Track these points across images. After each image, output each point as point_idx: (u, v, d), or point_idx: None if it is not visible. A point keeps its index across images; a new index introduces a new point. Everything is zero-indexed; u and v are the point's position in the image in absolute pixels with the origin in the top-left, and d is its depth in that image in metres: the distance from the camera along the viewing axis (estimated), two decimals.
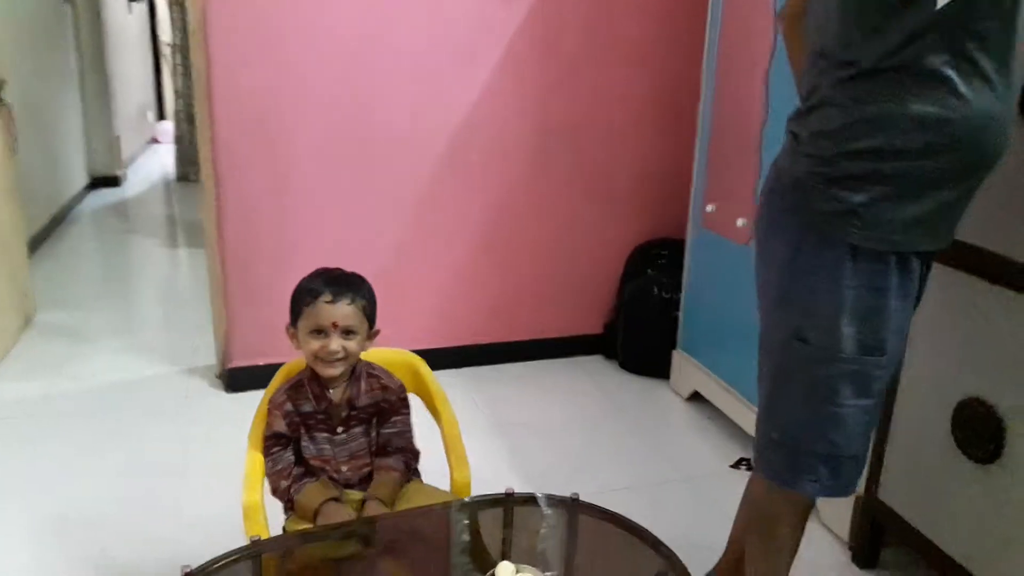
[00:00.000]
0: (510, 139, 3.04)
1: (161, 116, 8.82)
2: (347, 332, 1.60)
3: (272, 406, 1.66)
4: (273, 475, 1.63)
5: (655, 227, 3.27)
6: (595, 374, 3.25)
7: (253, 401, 3.04)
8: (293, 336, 1.65)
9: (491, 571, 1.33)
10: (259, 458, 1.66)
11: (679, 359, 3.01)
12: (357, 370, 1.67)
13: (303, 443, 1.65)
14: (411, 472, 1.70)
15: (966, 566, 1.75)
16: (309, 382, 1.65)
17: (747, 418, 2.62)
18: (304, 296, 1.61)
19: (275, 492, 1.63)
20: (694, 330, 2.94)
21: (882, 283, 1.34)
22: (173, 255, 4.96)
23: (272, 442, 1.65)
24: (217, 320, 3.06)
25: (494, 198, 3.09)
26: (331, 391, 1.65)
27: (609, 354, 3.34)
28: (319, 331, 1.59)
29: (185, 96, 6.42)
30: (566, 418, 2.86)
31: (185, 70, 6.30)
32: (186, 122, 6.48)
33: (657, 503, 2.36)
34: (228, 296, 2.96)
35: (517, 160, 3.07)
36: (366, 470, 1.67)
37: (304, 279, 1.65)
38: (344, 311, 1.59)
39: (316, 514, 1.56)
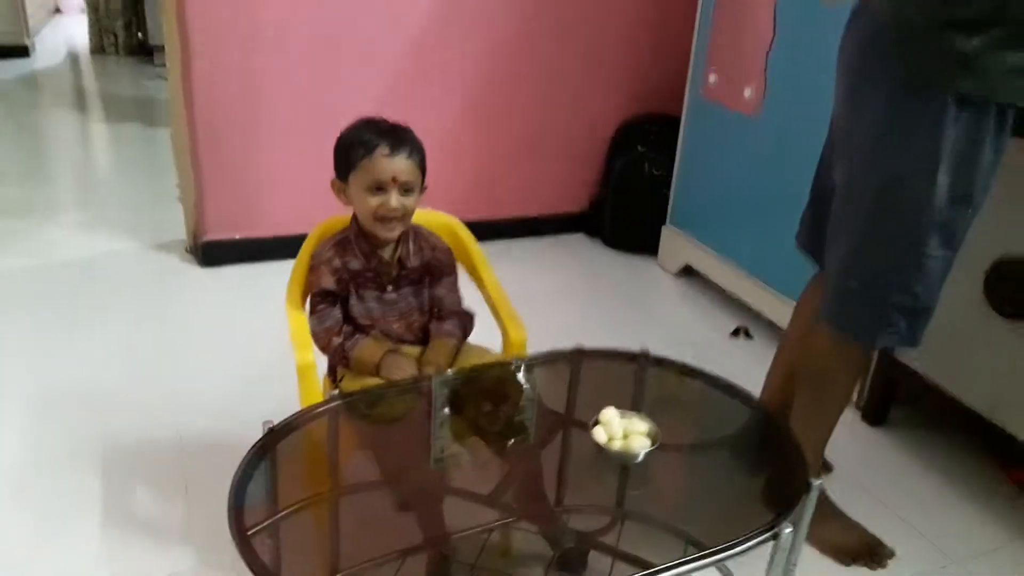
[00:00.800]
0: None
1: None
2: (406, 189, 1.50)
3: (318, 261, 1.56)
4: (322, 332, 1.54)
5: (646, 101, 3.20)
6: (580, 251, 3.22)
7: (232, 276, 2.95)
8: (341, 191, 1.54)
9: (595, 417, 1.31)
10: (301, 317, 1.57)
11: (669, 234, 3.01)
12: (406, 230, 1.58)
13: (351, 301, 1.56)
14: (465, 334, 1.64)
15: (991, 417, 1.83)
16: (357, 239, 1.56)
17: (743, 287, 2.66)
18: (357, 148, 1.49)
19: (325, 350, 1.55)
20: (687, 205, 2.93)
21: (980, 135, 1.33)
22: (101, 130, 4.60)
23: (319, 299, 1.56)
24: (186, 191, 2.87)
25: (479, 61, 2.95)
26: (381, 250, 1.56)
27: (592, 231, 3.31)
28: (378, 187, 1.48)
29: None
30: (555, 293, 2.84)
31: None
32: None
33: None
34: (198, 166, 2.76)
35: (505, 14, 2.92)
36: (416, 326, 1.61)
37: (351, 129, 1.53)
38: (403, 165, 1.49)
39: (378, 367, 1.50)
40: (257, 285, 2.74)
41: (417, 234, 1.60)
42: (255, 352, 2.31)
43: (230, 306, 2.64)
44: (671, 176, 2.97)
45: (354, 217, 1.57)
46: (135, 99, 5.15)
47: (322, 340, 1.54)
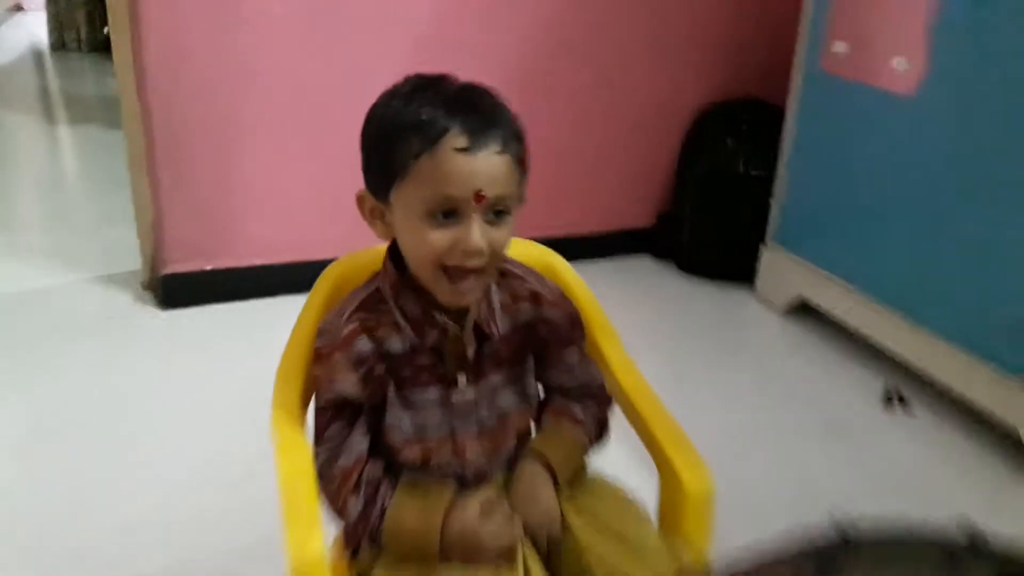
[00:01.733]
0: None
1: None
2: (497, 211, 0.81)
3: (329, 341, 0.86)
4: (333, 478, 0.85)
5: (732, 83, 2.51)
6: (646, 279, 2.52)
7: (200, 321, 2.19)
8: (375, 215, 0.86)
9: None
10: (298, 441, 0.88)
11: (773, 257, 2.32)
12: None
13: (390, 412, 0.87)
14: (601, 436, 0.96)
15: None
16: (399, 294, 0.86)
17: (888, 331, 1.97)
18: (408, 135, 0.79)
19: (338, 512, 0.86)
20: (799, 216, 2.24)
21: None
22: (54, 133, 3.92)
23: (331, 412, 0.87)
24: (141, 209, 2.17)
25: (521, 36, 2.26)
26: (445, 314, 0.87)
27: (660, 252, 2.61)
28: (446, 212, 0.79)
29: None
30: (625, 338, 2.13)
31: None
32: None
33: (803, 463, 1.70)
34: (155, 177, 2.07)
35: None
36: (508, 447, 0.92)
37: (394, 100, 0.82)
38: (495, 168, 0.79)
39: (446, 546, 0.81)
40: (233, 334, 2.05)
41: (505, 277, 0.92)
42: (228, 440, 1.62)
43: (195, 365, 1.94)
44: (773, 177, 2.28)
45: (392, 256, 0.88)
46: (97, 98, 4.47)
47: (333, 492, 0.85)
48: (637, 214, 2.60)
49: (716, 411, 1.85)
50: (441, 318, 0.86)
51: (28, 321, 2.07)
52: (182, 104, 2.01)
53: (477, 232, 0.78)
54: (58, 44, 5.47)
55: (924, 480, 1.68)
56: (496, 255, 0.82)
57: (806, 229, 2.22)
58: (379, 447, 0.87)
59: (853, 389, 1.98)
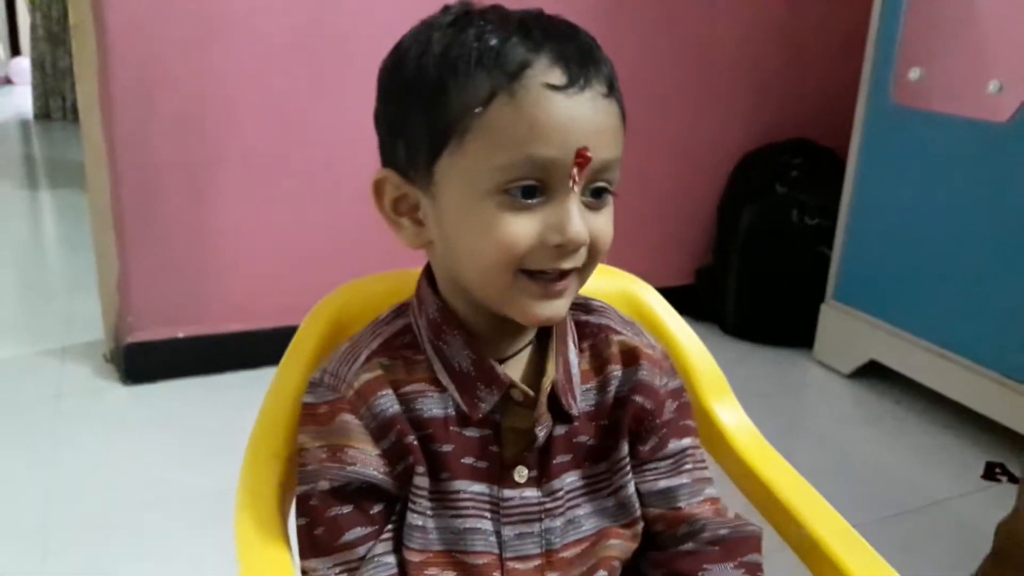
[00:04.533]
0: None
1: (15, 51, 7.21)
2: (598, 189, 0.54)
3: (329, 401, 0.56)
4: None
5: (775, 122, 2.25)
6: None
7: (170, 399, 1.85)
8: (403, 208, 0.56)
9: None
10: (279, 560, 0.56)
11: (834, 315, 2.01)
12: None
13: (412, 514, 0.56)
14: None
15: None
16: (442, 336, 0.57)
17: (980, 393, 1.66)
18: (471, 69, 0.50)
19: None
20: (865, 269, 1.95)
21: None
22: (35, 197, 3.69)
23: (332, 504, 0.55)
24: (104, 268, 1.87)
25: None
26: (508, 358, 0.58)
27: (701, 314, 2.30)
28: (529, 186, 0.50)
29: (42, 5, 5.00)
30: None
31: None
32: (45, 40, 5.05)
33: (901, 548, 1.37)
34: (122, 231, 1.77)
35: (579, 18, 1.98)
36: None
37: (435, 31, 0.53)
38: (601, 118, 0.51)
39: None
40: (206, 412, 1.72)
41: (584, 324, 0.63)
42: (202, 541, 1.28)
43: (161, 451, 1.60)
44: (831, 226, 2.00)
45: (428, 276, 0.59)
46: (79, 164, 4.21)
47: None
48: (673, 271, 2.30)
49: None
50: (504, 375, 0.55)
51: None
52: (153, 146, 1.73)
53: (578, 215, 0.50)
54: (43, 113, 5.29)
55: None
56: (596, 255, 0.55)
57: (874, 283, 1.92)
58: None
59: (946, 461, 1.66)
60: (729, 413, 0.71)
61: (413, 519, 0.55)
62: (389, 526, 0.55)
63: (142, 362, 1.82)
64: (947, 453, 1.71)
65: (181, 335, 1.84)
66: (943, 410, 1.82)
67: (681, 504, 0.61)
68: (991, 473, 1.62)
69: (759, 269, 2.12)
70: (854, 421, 1.86)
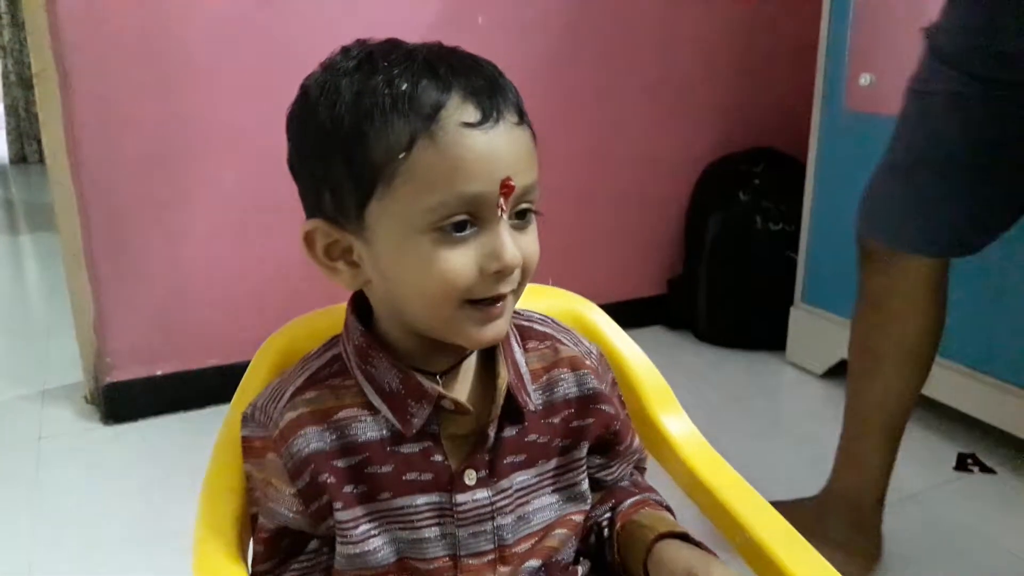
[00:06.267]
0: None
1: None
2: (521, 211, 0.56)
3: (259, 437, 0.60)
4: None
5: (734, 133, 2.29)
6: (664, 351, 2.22)
7: (152, 437, 1.85)
8: (336, 254, 0.59)
9: None
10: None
11: (803, 318, 2.05)
12: None
13: (344, 546, 0.58)
14: None
15: None
16: (368, 360, 0.59)
17: (950, 391, 1.70)
18: (388, 116, 0.52)
19: None
20: (833, 271, 1.98)
21: None
22: (15, 242, 3.70)
23: (265, 542, 0.60)
24: (80, 309, 1.88)
25: None
26: (438, 378, 0.60)
27: (674, 323, 2.34)
28: (459, 221, 0.53)
29: (14, 51, 5.02)
30: None
31: (12, 17, 4.92)
32: (18, 85, 5.07)
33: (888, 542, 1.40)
34: (95, 270, 1.79)
35: (540, 29, 2.02)
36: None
37: (341, 76, 0.55)
38: (516, 147, 0.54)
39: None
40: (193, 448, 1.72)
41: (523, 329, 0.67)
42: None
43: (145, 488, 1.62)
44: (795, 231, 2.04)
45: (354, 309, 0.62)
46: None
47: None
48: (645, 282, 2.33)
49: (765, 488, 1.54)
50: (432, 388, 0.58)
51: None
52: (120, 187, 1.75)
53: (510, 241, 0.53)
54: (18, 157, 5.31)
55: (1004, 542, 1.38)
56: (528, 272, 0.57)
57: (841, 284, 1.94)
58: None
59: (918, 454, 1.69)
60: (675, 422, 0.74)
61: (348, 550, 0.58)
62: (304, 561, 0.60)
63: (122, 402, 1.83)
64: (919, 446, 1.73)
65: (159, 373, 1.86)
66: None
67: (624, 484, 0.71)
68: (963, 464, 1.65)
69: (728, 276, 2.16)
70: (828, 419, 1.87)
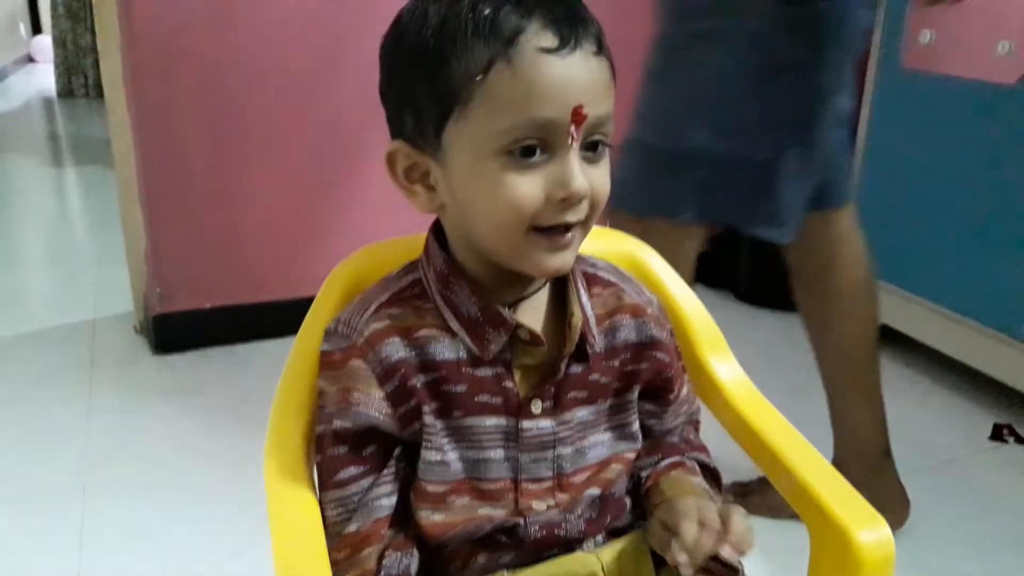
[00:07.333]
0: None
1: (37, 30, 7.28)
2: (592, 143, 0.56)
3: (340, 348, 0.61)
4: (341, 551, 0.59)
5: None
6: (707, 309, 2.24)
7: (200, 368, 1.86)
8: (415, 176, 0.60)
9: None
10: (311, 511, 0.61)
11: None
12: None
13: (428, 451, 0.60)
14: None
15: None
16: (450, 287, 0.61)
17: (995, 360, 1.69)
18: (468, 40, 0.53)
19: None
20: (879, 235, 1.96)
21: None
22: (60, 174, 3.76)
23: (345, 450, 0.60)
24: (132, 241, 1.93)
25: None
26: (509, 310, 0.61)
27: (715, 281, 2.34)
28: (528, 146, 0.54)
29: None
30: None
31: None
32: (66, 18, 5.11)
33: (912, 506, 1.41)
34: (148, 202, 1.83)
35: None
36: (594, 508, 0.65)
37: (429, 3, 0.56)
38: (593, 76, 0.55)
39: None
40: (237, 382, 1.78)
41: (592, 276, 0.67)
42: (229, 503, 1.34)
43: (191, 418, 1.67)
44: None
45: (435, 238, 0.63)
46: (103, 140, 4.27)
47: (339, 570, 0.59)
48: None
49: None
50: (511, 317, 0.60)
51: (6, 373, 1.82)
52: (177, 119, 1.78)
53: (579, 169, 0.54)
54: (65, 91, 5.36)
55: None
56: (596, 206, 0.57)
57: (887, 248, 1.93)
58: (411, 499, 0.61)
59: (955, 422, 1.69)
60: (725, 367, 0.76)
61: (430, 455, 0.60)
62: (388, 470, 0.60)
63: (171, 333, 1.88)
64: (956, 415, 1.74)
65: (208, 306, 1.90)
66: (953, 373, 1.85)
67: (673, 439, 0.72)
68: (999, 434, 1.65)
69: None
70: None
